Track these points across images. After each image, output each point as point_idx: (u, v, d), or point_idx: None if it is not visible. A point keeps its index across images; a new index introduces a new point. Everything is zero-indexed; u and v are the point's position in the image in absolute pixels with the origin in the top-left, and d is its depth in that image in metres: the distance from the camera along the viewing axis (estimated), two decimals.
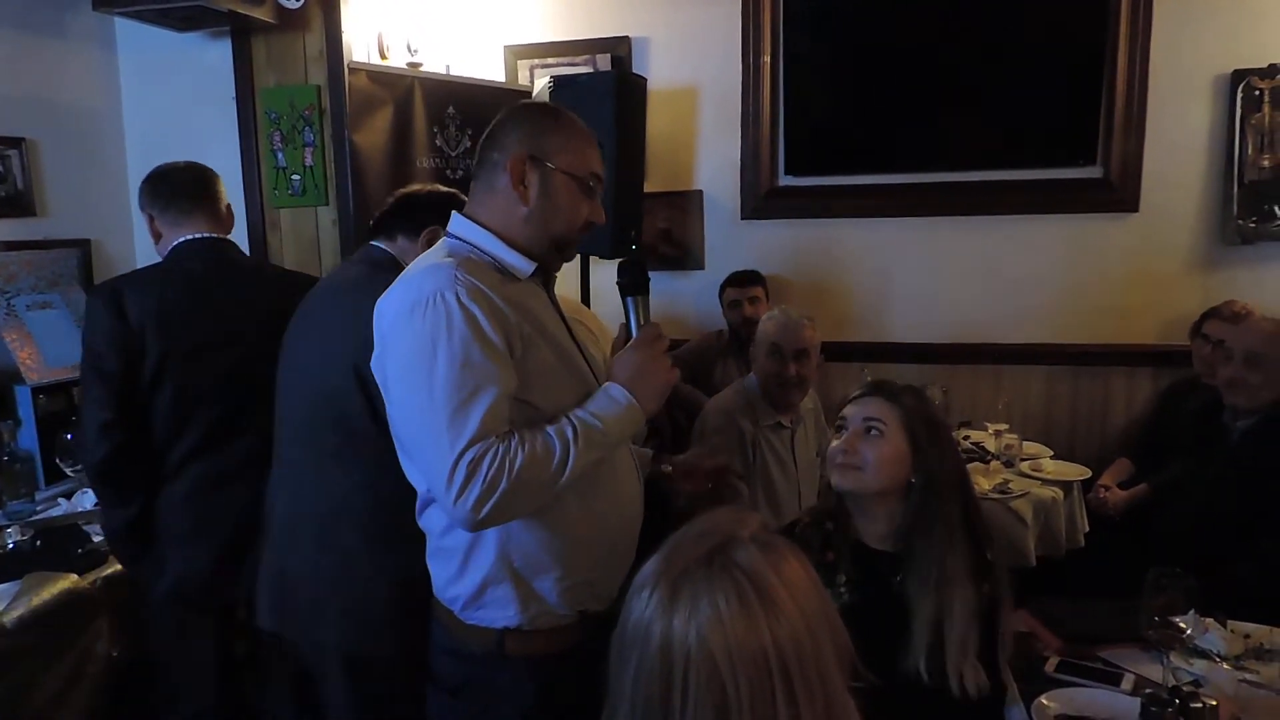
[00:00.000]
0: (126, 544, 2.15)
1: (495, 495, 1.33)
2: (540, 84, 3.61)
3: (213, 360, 2.11)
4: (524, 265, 1.51)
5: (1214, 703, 1.39)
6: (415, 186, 2.14)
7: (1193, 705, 1.36)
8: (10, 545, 2.43)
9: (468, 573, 1.52)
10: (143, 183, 2.25)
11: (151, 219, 2.22)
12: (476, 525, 1.38)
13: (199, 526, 2.13)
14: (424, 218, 1.99)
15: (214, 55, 3.57)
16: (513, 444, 1.35)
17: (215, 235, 2.22)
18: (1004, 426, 3.25)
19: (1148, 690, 1.50)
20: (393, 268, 1.89)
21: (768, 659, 0.88)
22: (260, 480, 2.10)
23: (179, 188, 2.21)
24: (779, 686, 0.88)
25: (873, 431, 1.61)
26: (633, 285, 1.60)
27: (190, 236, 2.19)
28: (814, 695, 0.90)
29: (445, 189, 2.12)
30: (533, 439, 1.38)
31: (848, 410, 1.67)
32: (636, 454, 1.72)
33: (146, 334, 2.04)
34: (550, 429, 1.41)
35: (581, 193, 1.54)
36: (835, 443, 1.65)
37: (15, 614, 2.11)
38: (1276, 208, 3.38)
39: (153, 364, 2.04)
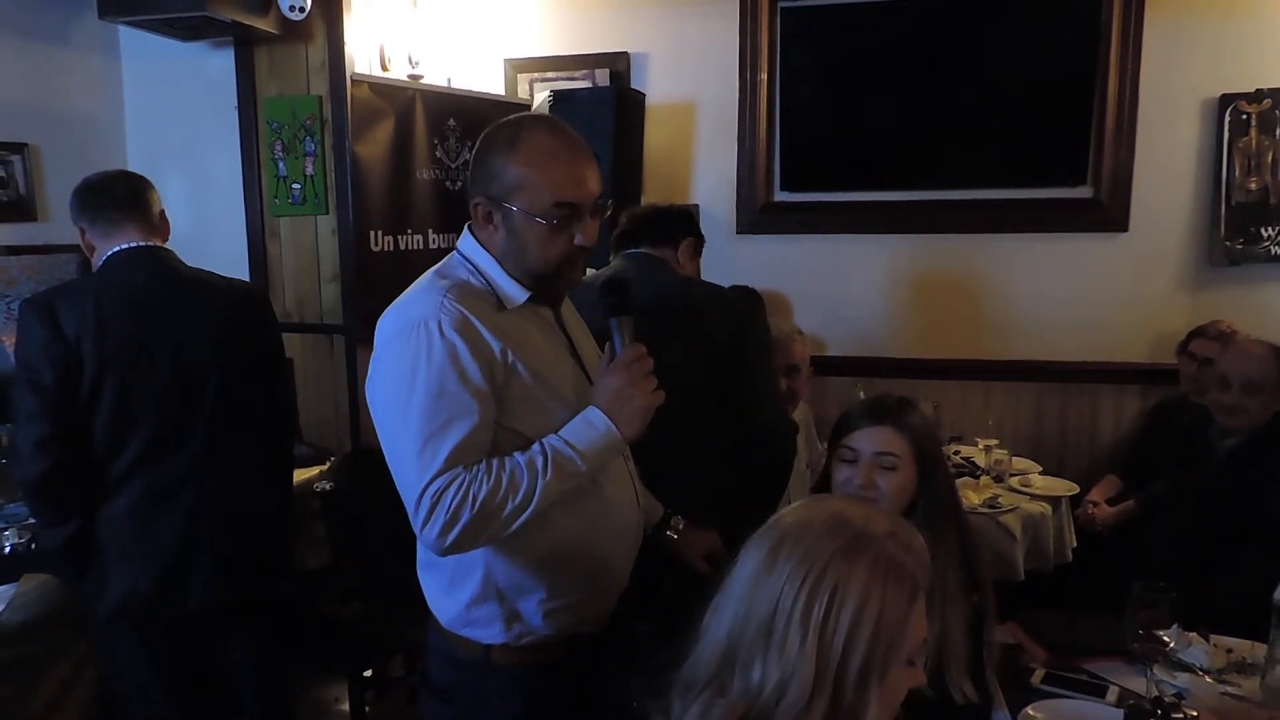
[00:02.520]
0: (65, 563, 2.08)
1: (458, 526, 1.35)
2: (540, 98, 3.64)
3: (152, 371, 2.04)
4: (517, 294, 1.50)
5: (1194, 713, 1.42)
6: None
7: (1174, 716, 1.39)
8: (7, 548, 2.44)
9: (454, 589, 1.53)
10: (72, 195, 2.16)
11: (82, 232, 2.14)
12: (444, 552, 1.40)
13: (141, 542, 2.07)
14: (680, 230, 2.29)
15: (217, 64, 3.60)
16: (478, 473, 1.36)
17: (149, 244, 2.14)
18: (994, 442, 3.28)
19: (1130, 701, 1.53)
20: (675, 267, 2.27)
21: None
22: (202, 493, 2.09)
23: (107, 198, 2.13)
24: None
25: (885, 463, 1.60)
26: (617, 306, 1.55)
27: (123, 246, 2.11)
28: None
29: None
30: (500, 468, 1.38)
31: (857, 440, 1.63)
32: (644, 501, 1.70)
33: (83, 346, 1.97)
34: (520, 457, 1.41)
35: (549, 228, 1.45)
36: (844, 472, 1.62)
37: (15, 618, 2.12)
38: (1263, 230, 3.44)
39: (91, 377, 1.98)
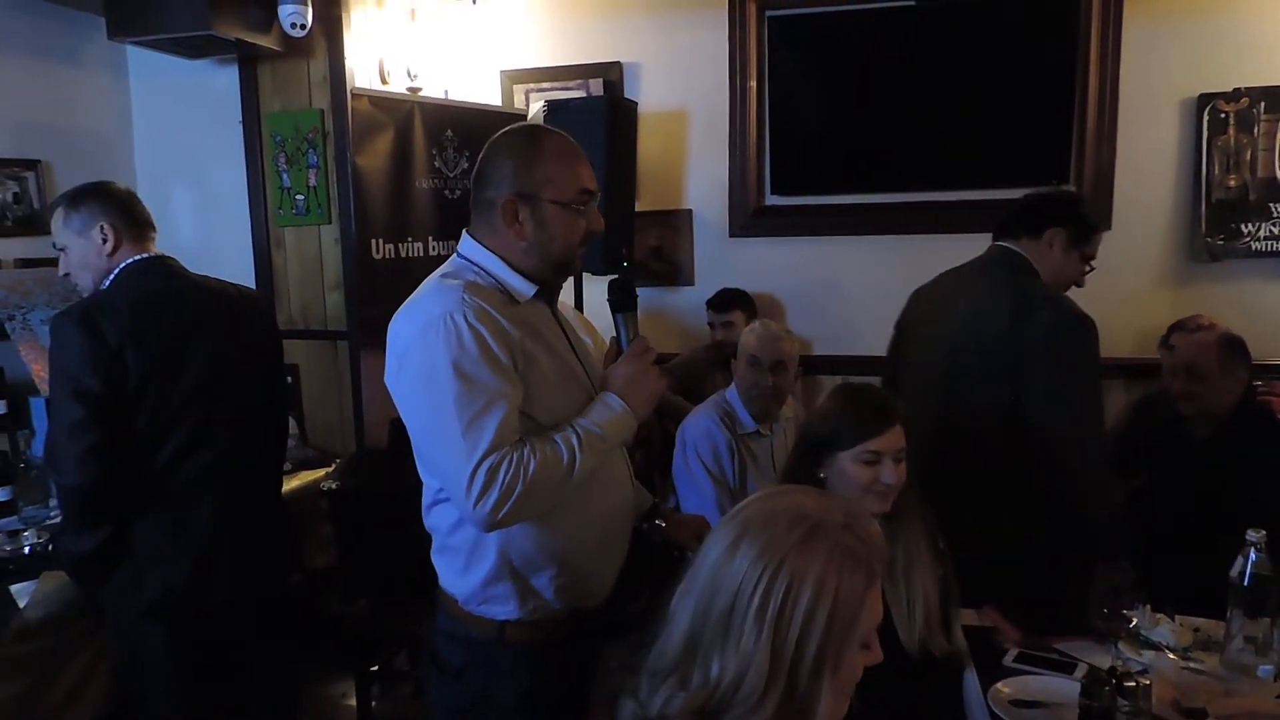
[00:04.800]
0: (93, 568, 2.12)
1: (512, 498, 1.45)
2: (535, 108, 3.74)
3: (183, 376, 2.11)
4: (526, 288, 1.63)
5: (1147, 682, 1.50)
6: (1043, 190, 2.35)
7: (1126, 684, 1.47)
8: (27, 549, 2.54)
9: (471, 569, 1.64)
10: (85, 197, 2.17)
11: (114, 228, 2.14)
12: (493, 526, 1.50)
13: (174, 539, 2.14)
14: (1047, 218, 2.19)
15: (222, 81, 3.71)
16: (525, 452, 1.47)
17: (157, 254, 2.21)
18: None
19: (1088, 671, 1.61)
20: (1024, 269, 2.18)
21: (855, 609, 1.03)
22: (224, 490, 2.17)
23: (136, 205, 2.20)
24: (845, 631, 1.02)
25: (900, 457, 1.76)
26: (622, 302, 1.72)
27: (142, 256, 2.17)
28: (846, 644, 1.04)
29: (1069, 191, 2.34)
30: (543, 446, 1.50)
31: (878, 443, 1.74)
32: (637, 494, 1.85)
33: (126, 354, 2.01)
34: (557, 436, 1.53)
35: (575, 214, 1.62)
36: (868, 473, 1.73)
37: (36, 614, 2.22)
38: (1243, 226, 3.51)
39: (135, 384, 2.03)
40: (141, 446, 2.08)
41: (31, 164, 3.33)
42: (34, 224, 3.34)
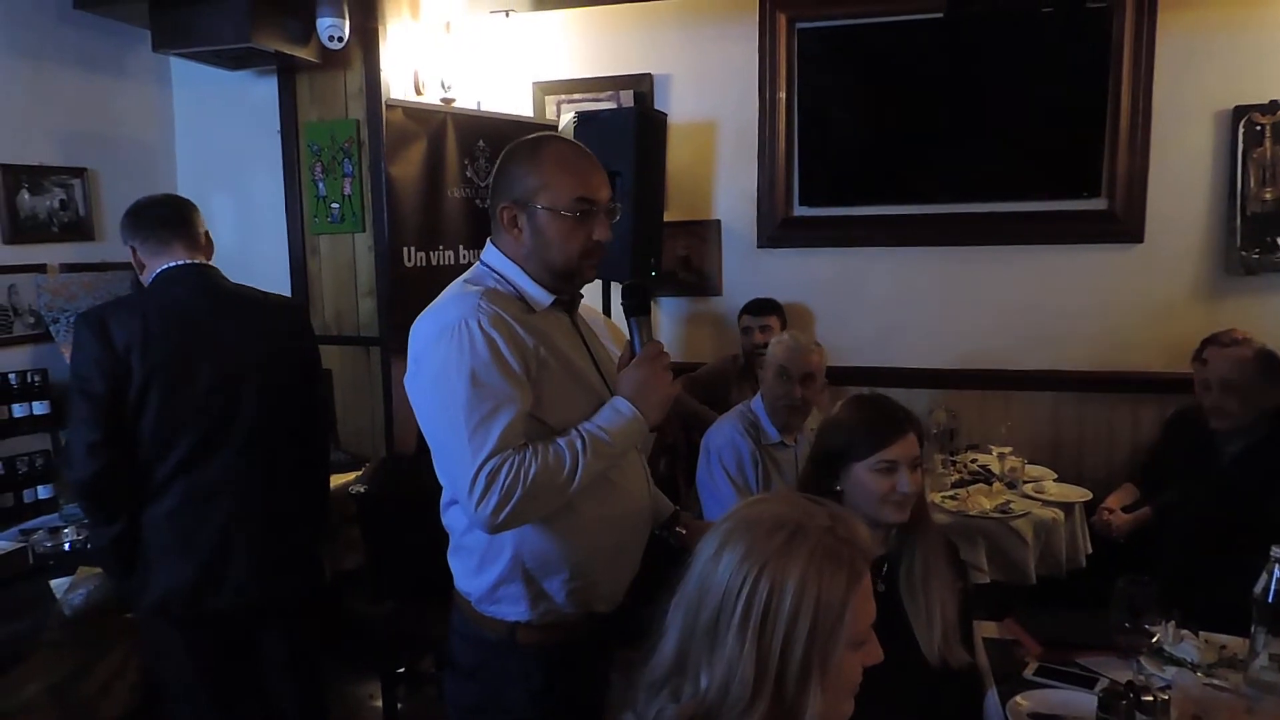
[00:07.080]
0: (113, 560, 2.19)
1: (512, 501, 1.47)
2: (566, 119, 3.79)
3: (195, 381, 2.14)
4: (543, 297, 1.66)
5: (1165, 697, 1.49)
6: None
7: (1144, 699, 1.46)
8: (66, 546, 2.62)
9: (484, 570, 1.66)
10: (124, 217, 2.29)
11: (134, 250, 2.26)
12: (495, 528, 1.52)
13: (183, 542, 2.16)
14: None
15: (261, 92, 3.80)
16: (527, 455, 1.49)
17: (196, 261, 2.26)
18: (1008, 449, 3.34)
19: (1106, 685, 1.60)
20: None
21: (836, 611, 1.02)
22: (241, 496, 2.20)
23: (158, 219, 2.25)
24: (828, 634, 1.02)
25: (915, 465, 1.76)
26: (635, 307, 1.72)
27: (171, 264, 2.22)
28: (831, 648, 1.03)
29: None
30: (545, 450, 1.52)
31: (895, 453, 1.74)
32: (657, 502, 1.86)
33: (131, 357, 2.07)
34: (561, 441, 1.55)
35: (571, 222, 1.61)
36: (886, 481, 1.73)
37: (73, 602, 2.29)
38: (1278, 239, 3.47)
39: (138, 386, 2.08)
40: (147, 447, 2.13)
41: (78, 172, 3.44)
42: (80, 230, 3.44)
